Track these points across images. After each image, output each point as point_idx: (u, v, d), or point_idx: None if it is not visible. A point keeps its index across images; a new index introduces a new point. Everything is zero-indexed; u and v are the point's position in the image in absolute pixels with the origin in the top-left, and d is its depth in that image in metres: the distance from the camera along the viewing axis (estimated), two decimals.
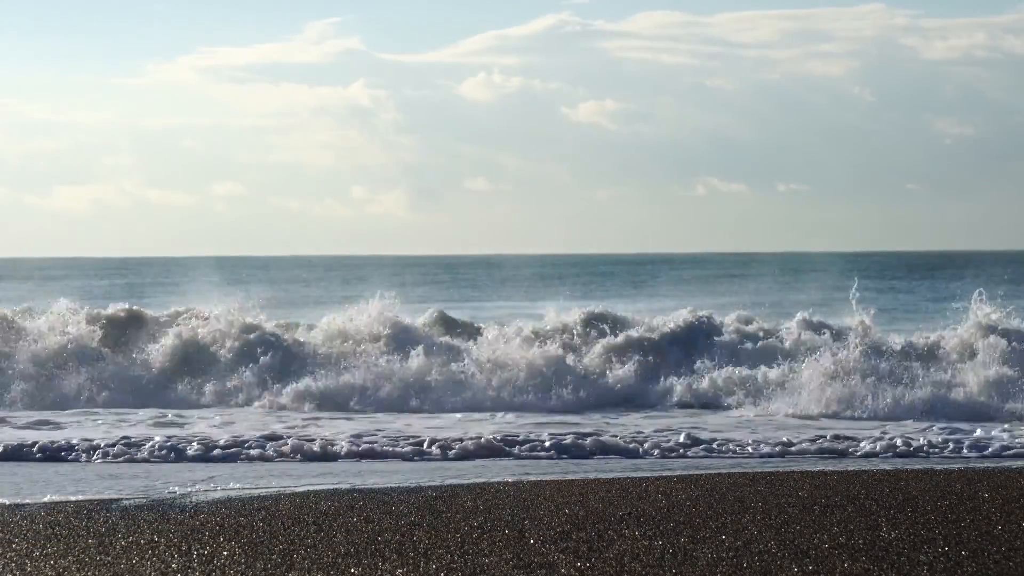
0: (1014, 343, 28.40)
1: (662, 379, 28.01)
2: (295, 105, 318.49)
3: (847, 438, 21.31)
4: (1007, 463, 18.85)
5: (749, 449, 20.40)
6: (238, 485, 16.81)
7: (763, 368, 27.93)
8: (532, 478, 17.28)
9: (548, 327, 30.84)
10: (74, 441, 20.70)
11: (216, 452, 19.98)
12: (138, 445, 20.37)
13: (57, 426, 23.76)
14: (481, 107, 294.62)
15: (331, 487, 16.52)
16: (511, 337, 29.56)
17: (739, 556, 11.15)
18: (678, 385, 27.68)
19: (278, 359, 28.92)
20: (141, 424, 23.90)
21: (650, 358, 28.91)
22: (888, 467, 18.53)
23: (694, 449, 20.40)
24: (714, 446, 20.60)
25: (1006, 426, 23.00)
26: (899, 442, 20.76)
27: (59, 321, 30.11)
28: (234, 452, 20.00)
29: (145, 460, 19.61)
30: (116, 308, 31.68)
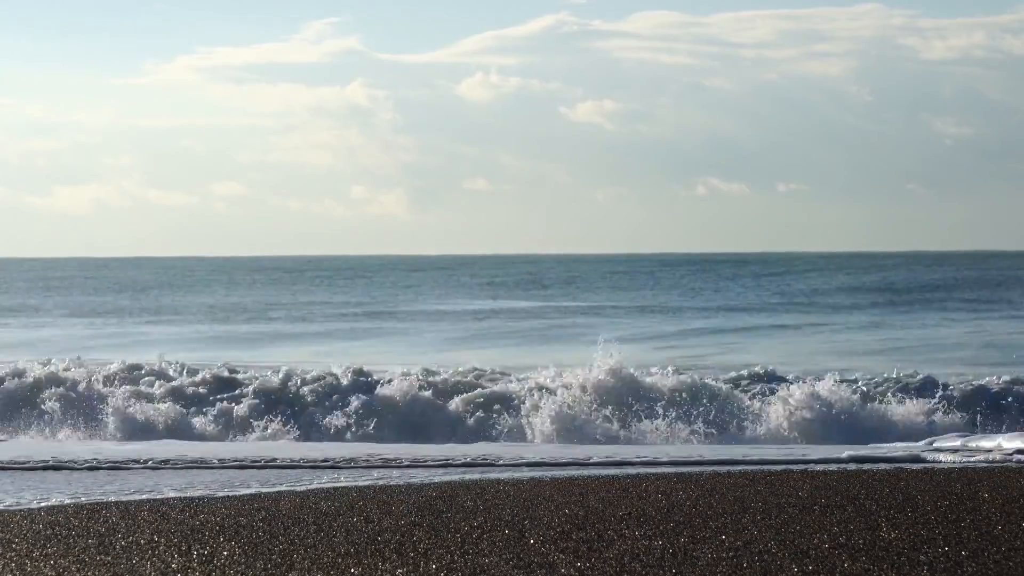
0: None
1: None
2: (294, 105, 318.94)
3: None
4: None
5: None
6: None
7: None
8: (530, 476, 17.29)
9: None
10: None
11: None
12: None
13: None
14: (480, 107, 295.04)
15: (330, 487, 16.53)
16: None
17: (739, 556, 11.15)
18: None
19: None
20: None
21: None
22: (888, 467, 18.57)
23: None
24: None
25: None
26: None
27: None
28: None
29: None
30: None
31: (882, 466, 18.76)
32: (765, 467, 18.56)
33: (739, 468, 18.38)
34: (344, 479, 17.65)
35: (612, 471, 18.34)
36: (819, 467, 18.65)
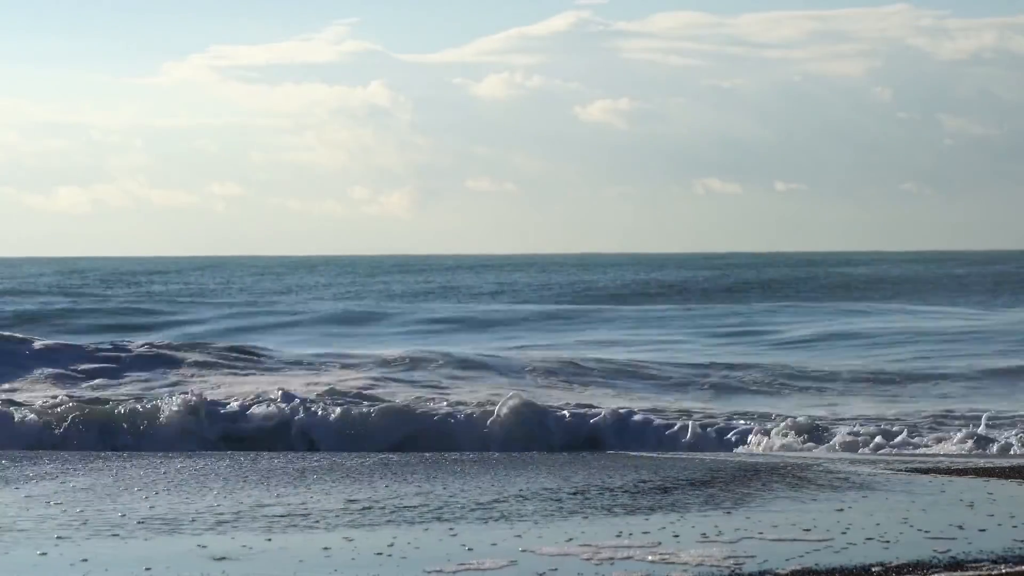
0: None
1: None
2: (310, 105, 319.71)
3: None
4: None
5: None
6: None
7: None
8: None
9: None
10: None
11: None
12: None
13: None
14: (496, 106, 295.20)
15: None
16: None
17: None
18: None
19: None
20: None
21: None
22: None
23: None
24: None
25: None
26: None
27: None
28: None
29: None
30: None
31: None
32: None
33: None
34: None
35: None
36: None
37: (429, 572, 10.33)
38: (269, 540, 11.61)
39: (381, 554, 10.98)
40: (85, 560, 10.79)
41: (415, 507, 13.32)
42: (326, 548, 11.22)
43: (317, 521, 12.53)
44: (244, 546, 11.32)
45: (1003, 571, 10.38)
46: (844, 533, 11.90)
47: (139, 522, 12.46)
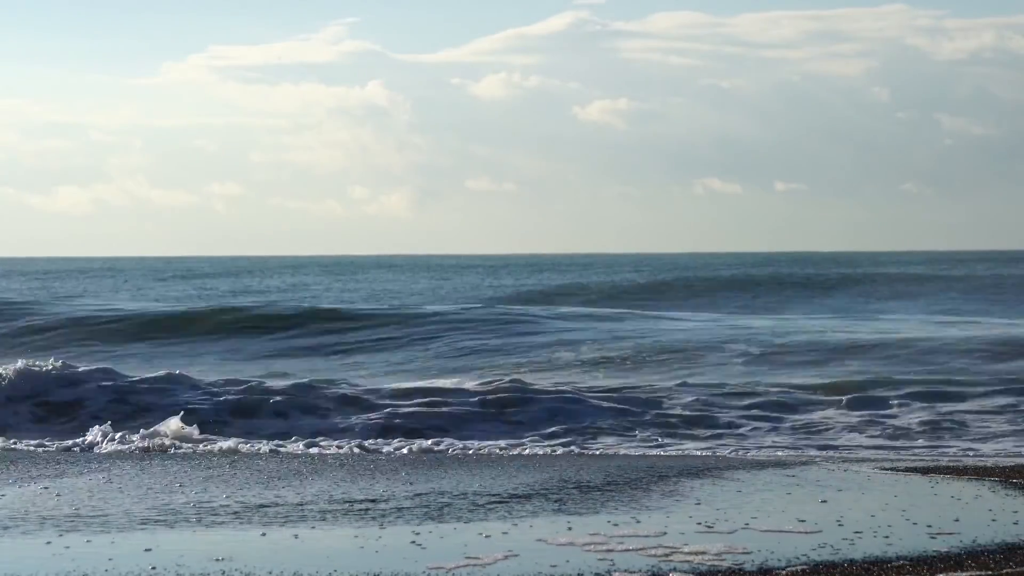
0: None
1: None
2: (309, 105, 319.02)
3: None
4: None
5: None
6: None
7: None
8: None
9: None
10: None
11: None
12: None
13: None
14: (494, 106, 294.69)
15: None
16: None
17: None
18: None
19: None
20: None
21: None
22: None
23: None
24: None
25: None
26: None
27: None
28: None
29: None
30: None
31: None
32: None
33: None
34: None
35: None
36: None
37: (432, 568, 10.33)
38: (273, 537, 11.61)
39: (413, 543, 11.16)
40: (149, 550, 11.00)
41: (411, 508, 13.32)
42: (358, 538, 11.23)
43: (317, 519, 12.54)
44: (247, 542, 11.35)
45: (1005, 571, 10.36)
46: (841, 526, 11.92)
47: (141, 521, 12.47)
